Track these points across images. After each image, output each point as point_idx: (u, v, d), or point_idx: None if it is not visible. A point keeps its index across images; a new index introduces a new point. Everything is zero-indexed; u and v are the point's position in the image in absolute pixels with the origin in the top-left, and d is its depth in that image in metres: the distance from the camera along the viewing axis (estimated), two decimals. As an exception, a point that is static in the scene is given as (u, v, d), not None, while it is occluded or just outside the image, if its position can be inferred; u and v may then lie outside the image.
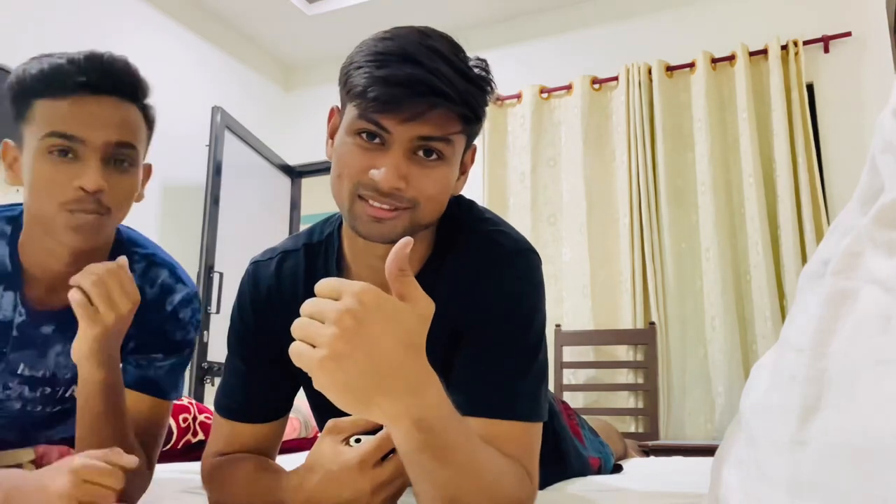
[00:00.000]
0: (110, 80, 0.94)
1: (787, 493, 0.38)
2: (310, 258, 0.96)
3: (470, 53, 0.86)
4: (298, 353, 0.60)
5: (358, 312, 0.58)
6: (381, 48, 0.78)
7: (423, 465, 0.67)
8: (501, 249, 0.88)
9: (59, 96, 0.91)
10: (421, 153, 0.79)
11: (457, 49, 0.81)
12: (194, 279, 3.28)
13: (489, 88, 0.83)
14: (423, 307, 0.63)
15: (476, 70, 0.82)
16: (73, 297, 0.90)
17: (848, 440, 0.35)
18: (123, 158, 0.95)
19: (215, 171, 3.38)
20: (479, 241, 0.89)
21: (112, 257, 1.04)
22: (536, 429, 0.84)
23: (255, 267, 0.99)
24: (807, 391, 0.39)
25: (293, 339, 0.94)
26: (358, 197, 0.80)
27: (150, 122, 1.04)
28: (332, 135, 0.88)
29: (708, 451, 2.22)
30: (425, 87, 0.75)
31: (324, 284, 0.61)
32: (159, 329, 1.06)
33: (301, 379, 0.98)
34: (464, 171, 0.89)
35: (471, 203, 0.96)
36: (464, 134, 0.83)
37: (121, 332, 0.94)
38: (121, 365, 1.03)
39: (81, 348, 0.92)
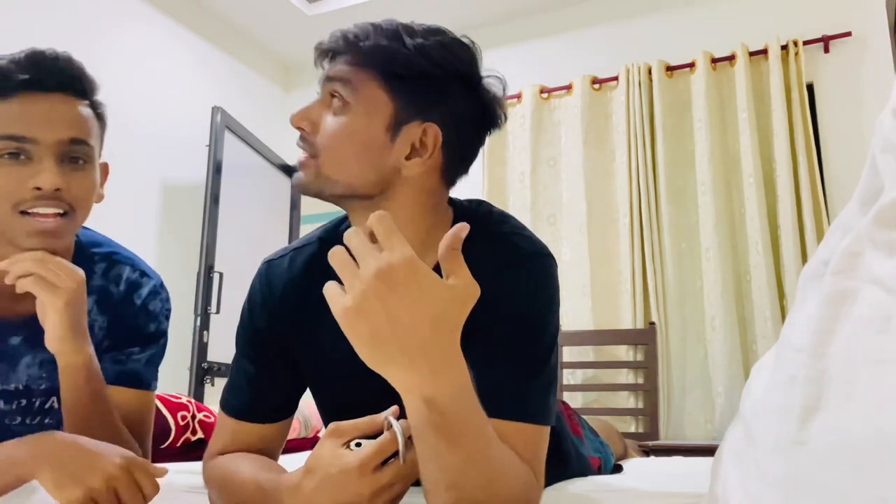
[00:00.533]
0: (56, 76, 0.92)
1: (787, 492, 0.38)
2: (324, 250, 0.95)
3: None
4: (330, 294, 0.61)
5: (394, 274, 0.58)
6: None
7: (428, 442, 0.67)
8: (519, 251, 0.89)
9: (3, 97, 0.89)
10: (336, 101, 0.85)
11: (407, 23, 0.88)
12: (194, 279, 3.30)
13: (410, 45, 0.85)
14: (466, 288, 0.62)
15: (410, 33, 0.85)
16: (23, 281, 0.89)
17: (848, 440, 0.35)
18: (79, 156, 0.93)
19: (215, 171, 3.38)
20: (496, 242, 0.89)
21: (74, 260, 1.02)
22: (544, 432, 0.84)
23: (268, 266, 0.99)
24: (807, 391, 0.39)
25: (303, 341, 0.94)
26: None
27: (101, 119, 1.01)
28: None
29: (708, 451, 2.22)
30: (332, 40, 0.88)
31: (377, 227, 0.60)
32: (132, 324, 1.06)
33: (310, 379, 0.98)
34: (423, 153, 0.85)
35: (491, 207, 0.97)
36: (373, 82, 0.84)
37: (83, 307, 0.93)
38: (100, 366, 1.03)
39: (55, 327, 0.90)
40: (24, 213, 0.90)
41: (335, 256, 0.61)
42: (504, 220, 0.94)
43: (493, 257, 0.88)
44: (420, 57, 0.84)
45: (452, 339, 0.63)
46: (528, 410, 0.82)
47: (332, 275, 0.93)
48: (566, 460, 1.22)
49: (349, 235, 0.61)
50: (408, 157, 0.85)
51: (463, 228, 0.63)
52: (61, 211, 0.92)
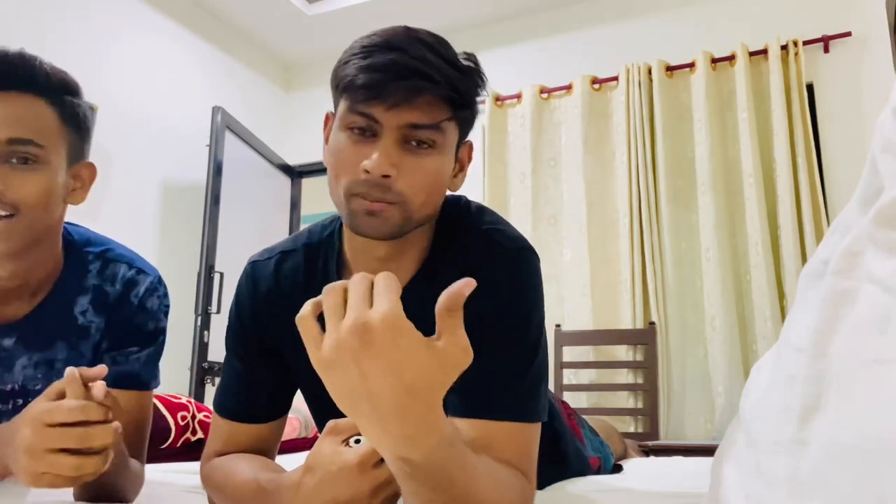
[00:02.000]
0: (5, 75, 0.88)
1: (787, 493, 0.38)
2: (309, 259, 0.95)
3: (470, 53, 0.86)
4: (305, 334, 0.57)
5: (371, 333, 0.54)
6: (367, 42, 0.79)
7: (408, 488, 0.65)
8: (499, 248, 0.88)
9: None
10: (413, 143, 0.79)
11: (443, 42, 0.82)
12: (194, 279, 3.30)
13: (479, 79, 0.83)
14: (456, 354, 0.57)
15: (464, 61, 0.82)
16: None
17: (848, 440, 0.35)
18: (25, 156, 0.89)
19: (215, 171, 3.38)
20: (476, 239, 0.89)
21: (65, 260, 1.01)
22: (535, 429, 0.84)
23: (254, 266, 0.98)
24: (807, 391, 0.39)
25: (291, 340, 0.94)
26: (353, 195, 0.79)
27: (69, 118, 0.95)
28: (327, 140, 0.87)
29: (708, 451, 2.22)
30: (409, 70, 0.76)
31: (379, 283, 0.57)
32: (130, 323, 1.04)
33: (299, 380, 0.98)
34: (461, 168, 0.89)
35: (470, 202, 0.96)
36: (454, 122, 0.82)
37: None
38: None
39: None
40: None
41: (327, 297, 0.57)
42: (482, 214, 0.93)
43: (473, 254, 0.88)
44: (482, 84, 0.84)
45: (431, 404, 0.58)
46: (518, 409, 0.81)
47: (318, 285, 0.93)
48: (566, 460, 1.22)
49: (355, 281, 0.58)
50: (454, 175, 0.88)
51: (469, 285, 0.59)
52: (3, 213, 0.88)
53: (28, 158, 0.89)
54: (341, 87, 0.79)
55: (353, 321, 0.54)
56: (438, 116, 0.79)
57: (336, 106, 0.84)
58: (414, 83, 0.76)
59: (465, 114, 0.83)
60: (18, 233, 0.91)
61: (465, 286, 0.59)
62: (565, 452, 1.22)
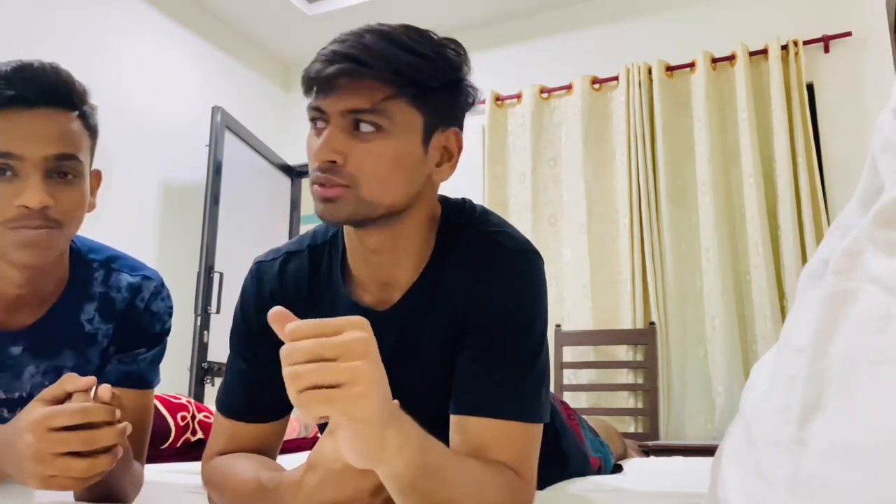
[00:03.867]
0: (43, 90, 0.90)
1: (788, 493, 0.38)
2: (313, 260, 0.96)
3: (469, 53, 0.86)
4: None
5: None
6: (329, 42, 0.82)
7: (395, 491, 0.70)
8: (503, 250, 0.88)
9: None
10: (361, 126, 0.80)
11: (409, 30, 0.82)
12: (194, 279, 3.29)
13: (442, 62, 0.82)
14: (368, 366, 0.61)
15: (425, 43, 0.81)
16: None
17: (848, 440, 0.35)
18: (67, 171, 0.91)
19: (215, 171, 3.38)
20: (481, 241, 0.89)
21: (71, 269, 1.03)
22: (536, 430, 0.84)
23: (259, 267, 0.99)
24: (807, 391, 0.39)
25: None
26: (313, 184, 0.82)
27: (91, 128, 0.98)
28: None
29: (708, 451, 2.22)
30: (342, 57, 0.78)
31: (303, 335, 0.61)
32: (138, 327, 1.06)
33: None
34: (449, 158, 0.88)
35: (475, 205, 0.96)
36: (407, 104, 0.81)
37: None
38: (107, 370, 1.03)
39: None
40: (10, 227, 0.89)
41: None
42: (487, 218, 0.93)
43: (478, 256, 0.88)
44: (444, 65, 0.83)
45: (398, 416, 0.66)
46: (518, 409, 0.82)
47: (321, 287, 0.93)
48: (566, 460, 1.22)
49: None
50: (438, 164, 0.87)
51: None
52: (51, 226, 0.91)
53: (68, 173, 0.92)
54: (302, 84, 0.83)
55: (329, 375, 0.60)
56: (377, 98, 0.79)
57: None
58: (346, 68, 0.78)
59: (423, 96, 0.81)
60: (59, 244, 0.94)
61: None
62: (566, 453, 1.22)
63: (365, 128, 0.80)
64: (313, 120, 0.83)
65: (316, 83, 0.80)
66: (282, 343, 0.61)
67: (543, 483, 1.11)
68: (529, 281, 0.88)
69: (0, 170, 0.88)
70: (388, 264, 0.89)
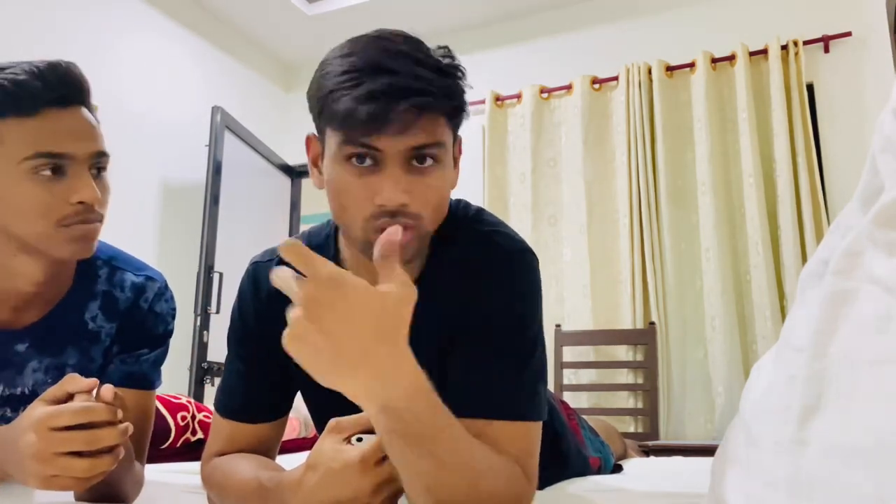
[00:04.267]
0: (73, 89, 0.92)
1: (788, 493, 0.38)
2: None
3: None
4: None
5: (319, 296, 0.59)
6: (348, 66, 0.75)
7: (396, 449, 0.68)
8: (498, 249, 0.88)
9: (26, 114, 0.88)
10: (415, 161, 0.77)
11: (419, 45, 0.79)
12: (193, 279, 3.30)
13: (461, 74, 0.81)
14: (399, 292, 0.62)
15: (445, 60, 0.79)
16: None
17: (848, 440, 0.35)
18: (102, 166, 0.95)
19: (215, 171, 3.38)
20: (475, 241, 0.89)
21: (79, 265, 1.04)
22: (535, 428, 0.84)
23: (255, 267, 0.99)
24: (807, 391, 0.39)
25: None
26: (374, 230, 0.77)
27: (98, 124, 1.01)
28: (314, 163, 0.86)
29: (708, 451, 2.22)
30: (408, 92, 0.73)
31: (292, 258, 0.60)
32: (141, 328, 1.06)
33: (299, 381, 0.98)
34: (455, 164, 0.88)
35: (468, 205, 0.96)
36: (450, 128, 0.81)
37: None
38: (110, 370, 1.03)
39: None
40: (67, 225, 0.92)
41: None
42: (481, 217, 0.93)
43: (472, 257, 0.87)
44: (464, 81, 0.82)
45: (395, 343, 0.63)
46: (516, 408, 0.82)
47: None
48: (566, 460, 1.22)
49: (275, 280, 0.62)
50: None
51: (396, 231, 0.65)
52: (97, 221, 0.94)
53: (102, 168, 0.96)
54: (336, 119, 0.75)
55: (302, 294, 0.59)
56: (440, 132, 0.77)
57: (320, 131, 0.82)
58: (415, 104, 0.73)
59: (458, 117, 0.82)
60: (97, 239, 0.97)
61: (394, 232, 0.65)
62: (566, 453, 1.22)
63: (427, 162, 0.77)
64: (353, 156, 0.77)
65: (374, 123, 0.73)
66: (278, 344, 0.62)
67: (543, 483, 1.11)
68: (523, 279, 0.87)
69: (53, 169, 0.89)
70: None
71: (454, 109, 0.79)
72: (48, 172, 0.89)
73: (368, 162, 0.76)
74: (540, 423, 0.85)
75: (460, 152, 0.90)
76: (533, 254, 0.90)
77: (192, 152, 3.51)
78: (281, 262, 0.97)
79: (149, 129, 3.34)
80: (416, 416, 0.66)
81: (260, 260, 1.00)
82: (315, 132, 0.85)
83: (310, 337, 0.59)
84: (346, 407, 0.76)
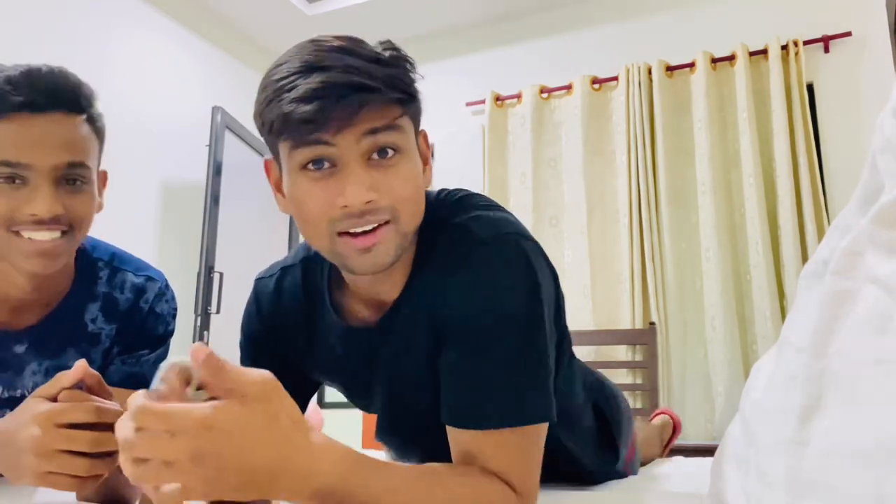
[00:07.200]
0: (52, 95, 0.89)
1: (787, 493, 0.38)
2: (307, 273, 0.95)
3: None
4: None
5: (201, 447, 0.53)
6: (283, 73, 0.72)
7: None
8: (473, 237, 0.79)
9: None
10: (376, 156, 0.73)
11: (356, 41, 0.76)
12: (194, 279, 3.29)
13: (408, 65, 0.77)
14: (265, 391, 0.57)
15: (387, 52, 0.76)
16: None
17: (848, 440, 0.35)
18: (76, 178, 0.91)
19: (215, 171, 3.38)
20: (452, 232, 0.81)
21: (78, 267, 1.03)
22: (528, 433, 0.76)
23: (256, 286, 1.01)
24: (807, 391, 0.39)
25: (298, 354, 0.95)
26: (338, 235, 0.74)
27: (98, 131, 0.97)
28: (277, 188, 0.81)
29: (708, 451, 2.22)
30: (345, 85, 0.70)
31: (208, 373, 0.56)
32: (142, 329, 1.06)
33: (322, 380, 1.00)
34: (426, 161, 0.83)
35: (452, 193, 0.89)
36: (407, 117, 0.76)
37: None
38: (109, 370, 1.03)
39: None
40: (18, 233, 0.88)
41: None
42: (462, 203, 0.86)
43: (448, 252, 0.80)
44: (412, 69, 0.78)
45: (297, 446, 0.58)
46: (501, 415, 0.74)
47: (315, 300, 0.93)
48: (615, 449, 1.17)
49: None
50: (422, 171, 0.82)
51: (199, 349, 0.57)
52: (58, 235, 0.90)
53: (77, 180, 0.91)
54: (276, 129, 0.72)
55: (174, 449, 0.54)
56: (392, 117, 0.73)
57: (274, 152, 0.78)
58: (357, 97, 0.70)
59: (412, 105, 0.77)
60: (70, 249, 0.93)
61: (197, 351, 0.57)
62: (616, 441, 1.16)
63: (388, 154, 0.73)
64: (308, 162, 0.72)
65: (313, 123, 0.69)
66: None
67: (598, 474, 1.14)
68: (503, 268, 0.77)
69: (9, 178, 0.87)
70: (379, 281, 0.85)
71: (403, 98, 0.75)
72: (4, 179, 0.86)
73: (326, 165, 0.72)
74: (538, 426, 0.77)
75: (428, 148, 0.84)
76: (519, 236, 0.80)
77: (192, 152, 3.50)
78: (282, 275, 0.97)
79: (149, 129, 3.34)
80: (349, 491, 0.61)
81: (262, 276, 1.01)
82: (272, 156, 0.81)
83: (206, 484, 0.54)
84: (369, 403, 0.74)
